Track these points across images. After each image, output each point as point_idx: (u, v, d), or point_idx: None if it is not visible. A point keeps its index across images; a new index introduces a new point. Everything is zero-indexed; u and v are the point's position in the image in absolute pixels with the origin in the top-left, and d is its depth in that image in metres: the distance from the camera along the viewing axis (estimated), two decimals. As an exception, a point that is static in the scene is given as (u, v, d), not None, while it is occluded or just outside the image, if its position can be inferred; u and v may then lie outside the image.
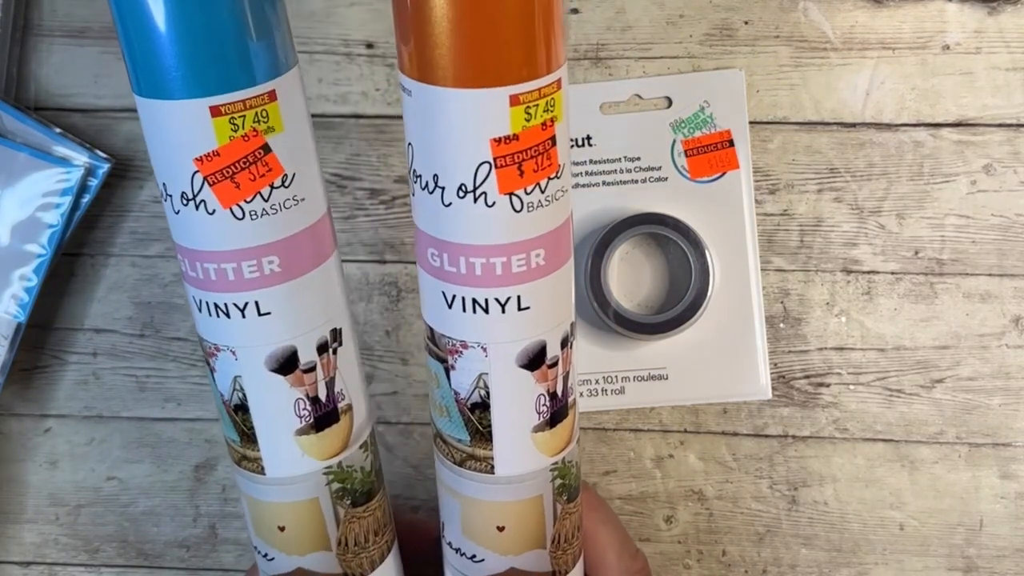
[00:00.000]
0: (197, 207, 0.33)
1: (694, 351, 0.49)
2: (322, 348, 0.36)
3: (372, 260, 0.50)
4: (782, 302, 0.50)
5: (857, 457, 0.50)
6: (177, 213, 0.33)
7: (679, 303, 0.48)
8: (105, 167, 0.48)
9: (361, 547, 0.39)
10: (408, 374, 0.51)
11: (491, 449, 0.36)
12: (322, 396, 0.36)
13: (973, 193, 0.49)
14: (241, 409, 0.36)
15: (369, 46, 0.50)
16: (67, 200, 0.48)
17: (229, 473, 0.51)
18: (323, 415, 0.37)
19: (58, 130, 0.49)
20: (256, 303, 0.34)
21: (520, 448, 0.36)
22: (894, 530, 0.50)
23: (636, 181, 0.49)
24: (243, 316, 0.34)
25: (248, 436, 0.37)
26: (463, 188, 0.32)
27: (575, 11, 0.49)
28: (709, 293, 0.48)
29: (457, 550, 0.38)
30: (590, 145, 0.49)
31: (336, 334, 0.36)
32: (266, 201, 0.33)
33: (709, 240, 0.49)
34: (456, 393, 0.35)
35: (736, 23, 0.49)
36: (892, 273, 0.49)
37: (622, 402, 0.50)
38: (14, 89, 0.50)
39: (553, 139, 0.32)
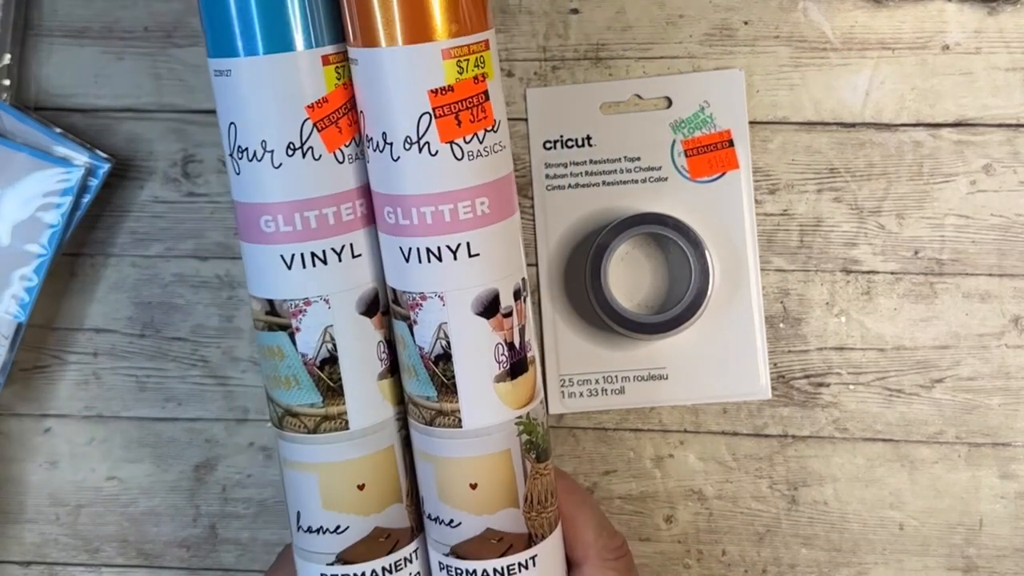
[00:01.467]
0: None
1: (694, 351, 0.49)
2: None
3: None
4: (782, 302, 0.50)
5: (857, 457, 0.50)
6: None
7: (679, 303, 0.48)
8: (105, 167, 0.48)
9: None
10: (408, 374, 0.51)
11: (457, 401, 0.38)
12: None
13: (973, 193, 0.49)
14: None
15: (369, 46, 0.50)
16: (67, 200, 0.48)
17: (229, 473, 0.51)
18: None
19: (58, 130, 0.49)
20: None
21: (484, 398, 0.38)
22: (894, 530, 0.50)
23: (636, 181, 0.49)
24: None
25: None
26: (408, 140, 0.35)
27: (575, 11, 0.49)
28: (709, 293, 0.48)
29: (436, 519, 0.39)
30: (590, 145, 0.49)
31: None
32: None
33: (709, 240, 0.49)
34: (420, 348, 0.37)
35: (736, 23, 0.49)
36: (892, 273, 0.49)
37: (622, 402, 0.50)
38: (14, 89, 0.50)
39: (486, 93, 0.36)
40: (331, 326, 0.37)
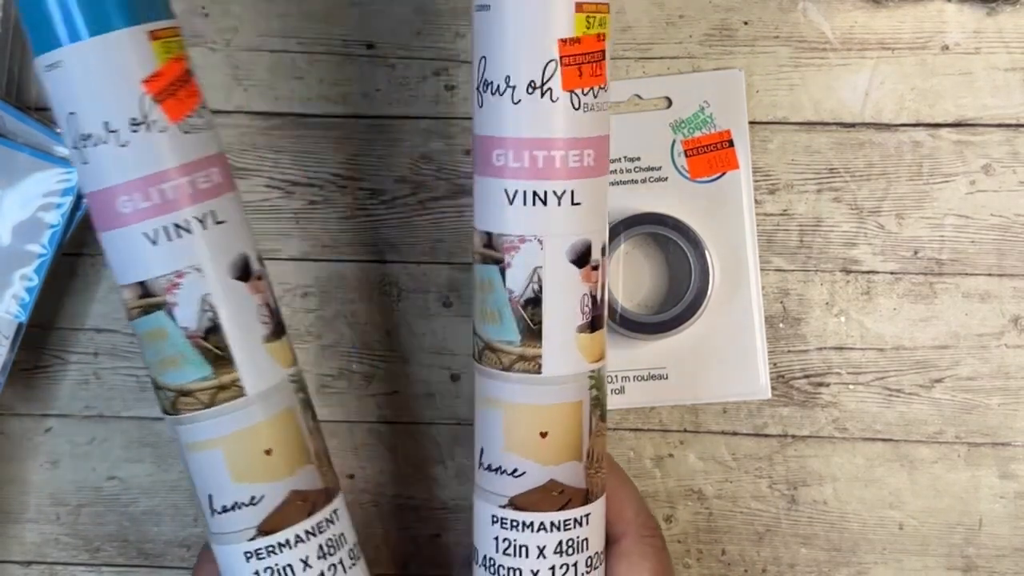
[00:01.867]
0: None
1: (694, 351, 0.49)
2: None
3: (372, 260, 0.50)
4: (781, 302, 0.50)
5: (856, 457, 0.50)
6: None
7: (679, 303, 0.48)
8: (106, 167, 0.48)
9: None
10: (409, 374, 0.51)
11: (540, 347, 0.39)
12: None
13: (972, 193, 0.49)
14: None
15: (369, 46, 0.50)
16: (68, 200, 0.48)
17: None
18: (597, 316, 0.40)
19: (59, 130, 0.49)
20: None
21: (566, 346, 0.39)
22: (893, 529, 0.50)
23: (636, 181, 0.49)
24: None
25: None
26: (532, 84, 0.37)
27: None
28: (709, 293, 0.48)
29: (497, 469, 0.40)
30: (590, 145, 0.49)
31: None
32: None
33: (709, 240, 0.49)
34: (510, 292, 0.39)
35: (736, 23, 0.49)
36: (891, 273, 0.49)
37: (622, 402, 0.50)
38: (15, 89, 0.50)
39: (603, 52, 0.38)
40: (208, 294, 0.37)
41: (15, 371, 0.50)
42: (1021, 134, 0.48)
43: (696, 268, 0.48)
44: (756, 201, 0.49)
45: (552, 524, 0.40)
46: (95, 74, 0.36)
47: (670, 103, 0.49)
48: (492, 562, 0.40)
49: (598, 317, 0.40)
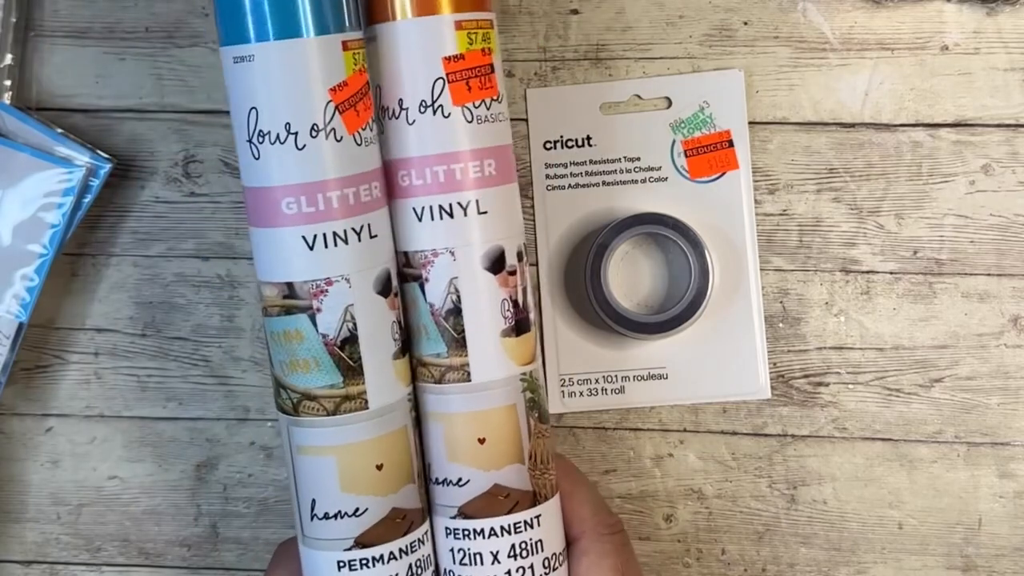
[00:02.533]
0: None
1: (694, 351, 0.49)
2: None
3: (373, 260, 0.50)
4: (781, 302, 0.50)
5: (856, 456, 0.50)
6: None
7: (679, 303, 0.49)
8: (107, 167, 0.48)
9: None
10: (409, 373, 0.51)
11: (466, 355, 0.40)
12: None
13: (972, 193, 0.49)
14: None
15: (370, 47, 0.50)
16: (69, 200, 0.48)
17: (231, 472, 0.52)
18: (521, 319, 0.41)
19: (60, 130, 0.49)
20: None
21: (492, 351, 0.40)
22: (893, 529, 0.50)
23: (636, 181, 0.50)
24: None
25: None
26: (423, 104, 0.39)
27: (575, 12, 0.49)
28: (708, 293, 0.48)
29: (444, 481, 0.40)
30: (590, 145, 0.49)
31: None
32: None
33: (708, 240, 0.49)
34: (431, 306, 0.40)
35: (735, 24, 0.49)
36: (891, 273, 0.49)
37: (622, 401, 0.50)
38: (16, 89, 0.50)
39: (492, 66, 0.40)
40: (352, 305, 0.38)
41: (15, 371, 0.50)
42: (1020, 134, 0.49)
43: (696, 268, 0.48)
44: (756, 201, 0.49)
45: (502, 528, 0.40)
46: (286, 75, 0.37)
47: (670, 103, 0.49)
48: (451, 574, 0.41)
49: (522, 320, 0.41)
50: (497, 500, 0.40)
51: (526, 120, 0.50)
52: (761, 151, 0.49)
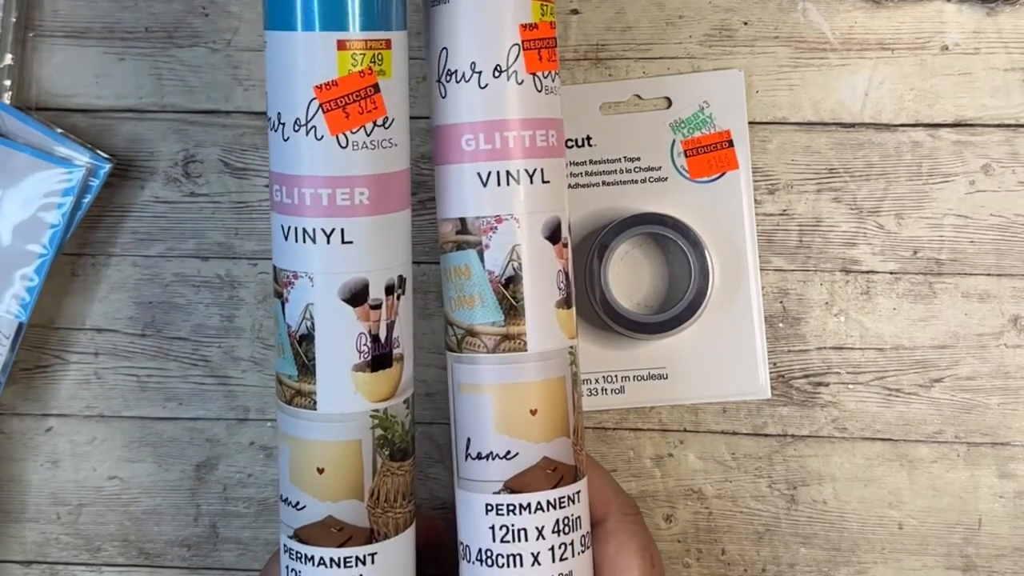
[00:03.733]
0: (307, 133, 0.38)
1: (694, 351, 0.49)
2: (389, 289, 0.40)
3: (373, 260, 0.50)
4: (781, 302, 0.50)
5: (856, 456, 0.50)
6: (286, 140, 0.38)
7: (679, 303, 0.49)
8: (106, 167, 0.49)
9: (390, 505, 0.40)
10: (408, 374, 0.51)
11: (524, 325, 0.39)
12: (382, 336, 0.40)
13: (972, 193, 0.49)
14: (306, 339, 0.39)
15: (370, 47, 0.50)
16: (69, 200, 0.48)
17: (231, 472, 0.52)
18: (380, 356, 0.40)
19: (59, 130, 0.49)
20: (342, 231, 0.38)
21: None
22: (893, 529, 0.50)
23: (636, 181, 0.50)
24: (328, 242, 0.38)
25: (307, 368, 0.39)
26: (498, 69, 0.38)
27: (575, 12, 0.49)
28: (708, 293, 0.48)
29: (488, 455, 0.40)
30: (590, 145, 0.49)
31: (402, 281, 0.40)
32: (368, 136, 0.38)
33: (708, 240, 0.49)
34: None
35: (735, 24, 0.49)
36: (891, 273, 0.49)
37: (622, 401, 0.50)
38: (16, 90, 0.50)
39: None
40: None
41: (15, 371, 0.50)
42: (1020, 134, 0.49)
43: (696, 268, 0.48)
44: (756, 201, 0.49)
45: (548, 503, 0.40)
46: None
47: (670, 103, 0.49)
48: (489, 553, 0.40)
49: (570, 294, 0.41)
50: (545, 473, 0.40)
51: (526, 120, 0.50)
52: (761, 151, 0.49)
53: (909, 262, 0.49)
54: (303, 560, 0.40)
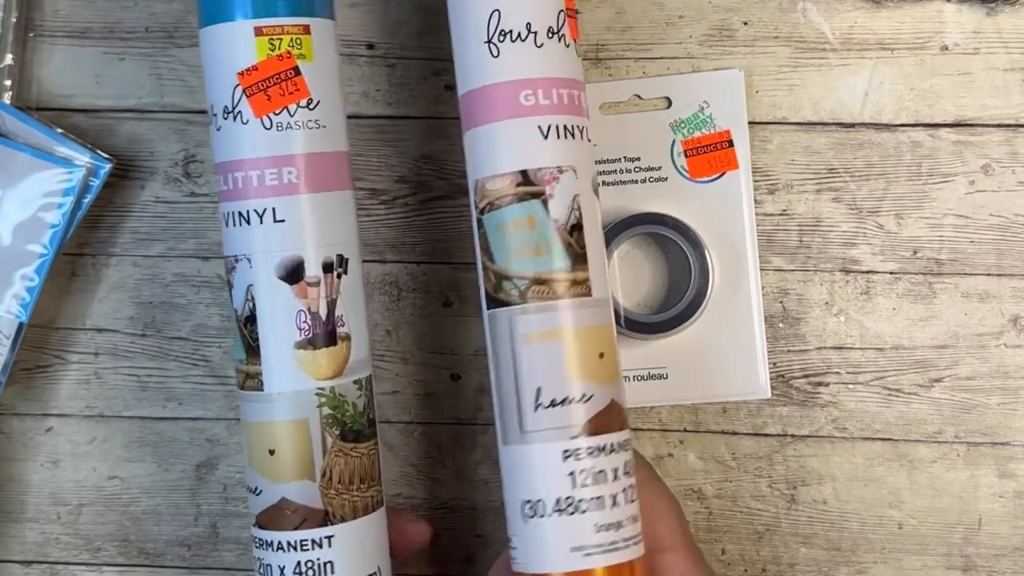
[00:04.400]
0: (235, 119, 0.40)
1: (693, 351, 0.49)
2: (327, 267, 0.41)
3: (372, 260, 0.50)
4: (781, 302, 0.50)
5: (856, 456, 0.50)
6: (219, 130, 0.41)
7: (679, 303, 0.49)
8: (107, 167, 0.49)
9: (345, 488, 0.41)
10: (409, 373, 0.51)
11: (588, 271, 0.40)
12: (322, 313, 0.41)
13: (972, 193, 0.49)
14: (251, 320, 0.41)
15: (370, 47, 0.50)
16: (69, 200, 0.48)
17: (231, 472, 0.52)
18: (322, 333, 0.41)
19: (60, 130, 0.49)
20: (273, 210, 0.40)
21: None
22: (893, 529, 0.50)
23: (636, 181, 0.50)
24: (260, 221, 0.40)
25: (254, 350, 0.41)
26: (551, 30, 0.40)
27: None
28: (708, 293, 0.48)
29: (563, 401, 0.40)
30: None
31: (342, 260, 0.41)
32: (291, 117, 0.40)
33: (709, 240, 0.49)
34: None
35: (735, 24, 0.49)
36: (891, 273, 0.49)
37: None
38: (16, 90, 0.50)
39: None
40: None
41: (15, 371, 0.50)
42: (1020, 134, 0.49)
43: (696, 268, 0.48)
44: (756, 201, 0.49)
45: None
46: (210, 60, 0.40)
47: (670, 103, 0.49)
48: (570, 501, 0.39)
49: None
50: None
51: (526, 120, 0.50)
52: (761, 151, 0.49)
53: (909, 262, 0.49)
54: (264, 547, 0.41)
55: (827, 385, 0.50)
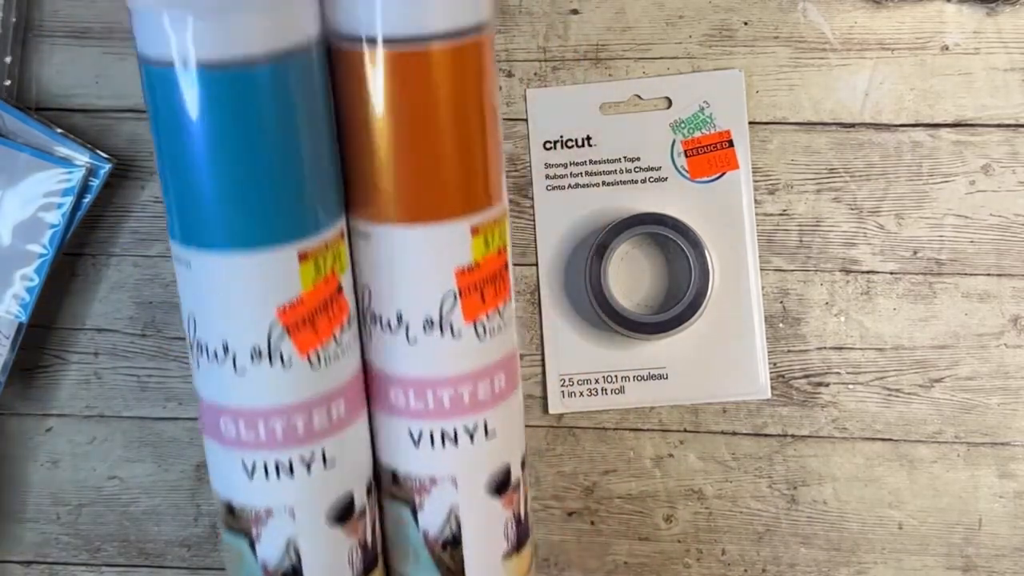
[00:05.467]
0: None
1: (694, 351, 0.49)
2: (369, 489, 0.35)
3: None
4: (781, 302, 0.50)
5: (856, 456, 0.50)
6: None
7: (679, 303, 0.49)
8: (106, 167, 0.49)
9: None
10: None
11: None
12: (368, 540, 0.35)
13: (972, 193, 0.49)
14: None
15: (370, 47, 0.50)
16: (69, 200, 0.48)
17: (230, 472, 0.52)
18: (522, 534, 0.36)
19: (59, 130, 0.49)
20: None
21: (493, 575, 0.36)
22: (893, 529, 0.50)
23: (636, 181, 0.50)
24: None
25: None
26: (429, 321, 0.33)
27: (575, 12, 0.49)
28: (708, 293, 0.48)
29: None
30: (590, 145, 0.49)
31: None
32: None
33: (709, 240, 0.49)
34: (426, 533, 0.35)
35: (735, 24, 0.49)
36: (891, 273, 0.49)
37: (622, 402, 0.50)
38: (16, 90, 0.50)
39: (506, 264, 0.34)
40: (294, 538, 0.34)
41: (15, 371, 0.50)
42: (1020, 134, 0.49)
43: (696, 268, 0.48)
44: (756, 201, 0.49)
45: None
46: (229, 292, 0.33)
47: (670, 103, 0.49)
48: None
49: (523, 534, 0.37)
50: None
51: (526, 120, 0.50)
52: (761, 151, 0.49)
53: (909, 262, 0.49)
54: None
55: (827, 385, 0.50)
